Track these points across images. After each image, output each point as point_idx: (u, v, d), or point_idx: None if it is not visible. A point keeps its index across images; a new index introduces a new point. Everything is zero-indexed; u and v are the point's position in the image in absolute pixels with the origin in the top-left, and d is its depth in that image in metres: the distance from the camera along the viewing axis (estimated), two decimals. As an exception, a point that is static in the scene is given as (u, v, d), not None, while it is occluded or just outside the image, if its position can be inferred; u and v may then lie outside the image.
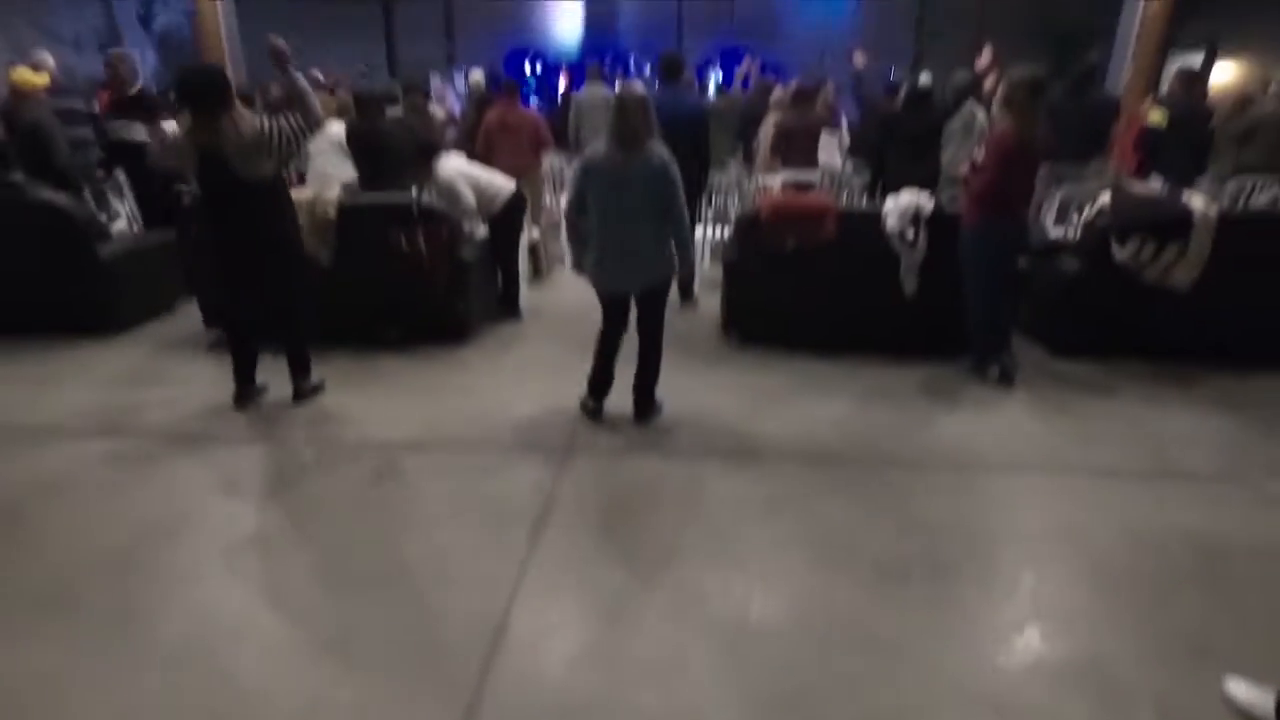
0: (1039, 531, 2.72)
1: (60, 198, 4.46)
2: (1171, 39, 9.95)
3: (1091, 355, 4.28)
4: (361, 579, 2.44)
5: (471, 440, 3.38)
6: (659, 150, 3.11)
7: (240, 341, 3.60)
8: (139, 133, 5.35)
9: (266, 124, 3.17)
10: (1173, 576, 2.47)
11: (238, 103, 3.19)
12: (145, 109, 5.38)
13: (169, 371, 4.13)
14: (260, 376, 3.71)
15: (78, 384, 3.95)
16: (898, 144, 4.96)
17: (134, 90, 5.42)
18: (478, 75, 7.30)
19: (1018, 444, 3.37)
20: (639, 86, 3.14)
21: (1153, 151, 5.55)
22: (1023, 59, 6.45)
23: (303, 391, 3.70)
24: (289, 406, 3.67)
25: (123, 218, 6.13)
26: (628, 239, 3.18)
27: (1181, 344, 4.24)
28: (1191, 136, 5.61)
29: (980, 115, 5.19)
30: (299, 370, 3.68)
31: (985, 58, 5.22)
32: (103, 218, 5.52)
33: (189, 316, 4.84)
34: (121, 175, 5.96)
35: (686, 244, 3.24)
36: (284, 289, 3.51)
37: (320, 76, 8.23)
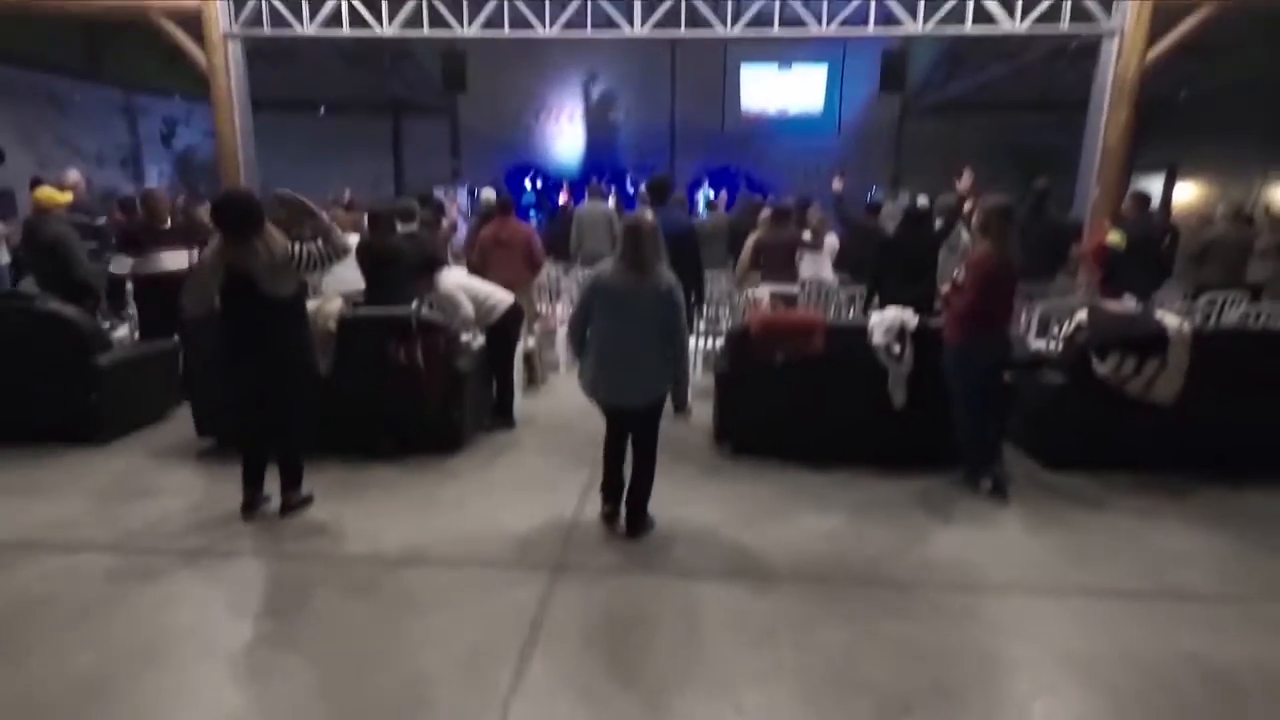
0: (1044, 658, 2.64)
1: (68, 309, 4.57)
2: (1133, 162, 10.62)
3: (1082, 467, 4.30)
4: (345, 707, 2.33)
5: (461, 556, 3.31)
6: (667, 275, 3.28)
7: (254, 448, 3.61)
8: (176, 261, 5.46)
9: (295, 248, 3.34)
10: (1184, 708, 2.39)
11: (269, 225, 3.35)
12: (194, 235, 5.51)
13: (158, 482, 4.09)
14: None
15: (64, 495, 3.90)
16: (896, 264, 5.08)
17: (168, 224, 5.62)
18: (489, 193, 7.67)
19: (1015, 562, 3.33)
20: (649, 215, 3.34)
21: (1112, 269, 5.81)
22: (995, 181, 6.85)
23: (291, 504, 3.65)
24: (277, 519, 3.62)
25: (125, 325, 6.27)
26: (629, 356, 3.29)
27: (1170, 457, 4.27)
28: (1147, 254, 5.91)
29: (965, 235, 5.45)
30: (290, 482, 3.66)
31: (966, 180, 5.54)
32: (106, 325, 5.63)
33: (181, 423, 4.83)
34: (130, 285, 6.14)
35: (684, 365, 3.38)
36: (289, 402, 3.54)
37: (347, 195, 8.75)
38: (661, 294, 3.22)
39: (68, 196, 5.58)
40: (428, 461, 4.35)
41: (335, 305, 4.34)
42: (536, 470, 4.32)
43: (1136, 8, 7.77)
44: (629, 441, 3.51)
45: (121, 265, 5.51)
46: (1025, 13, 8.03)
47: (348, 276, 5.39)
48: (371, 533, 3.49)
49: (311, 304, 4.37)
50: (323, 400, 4.05)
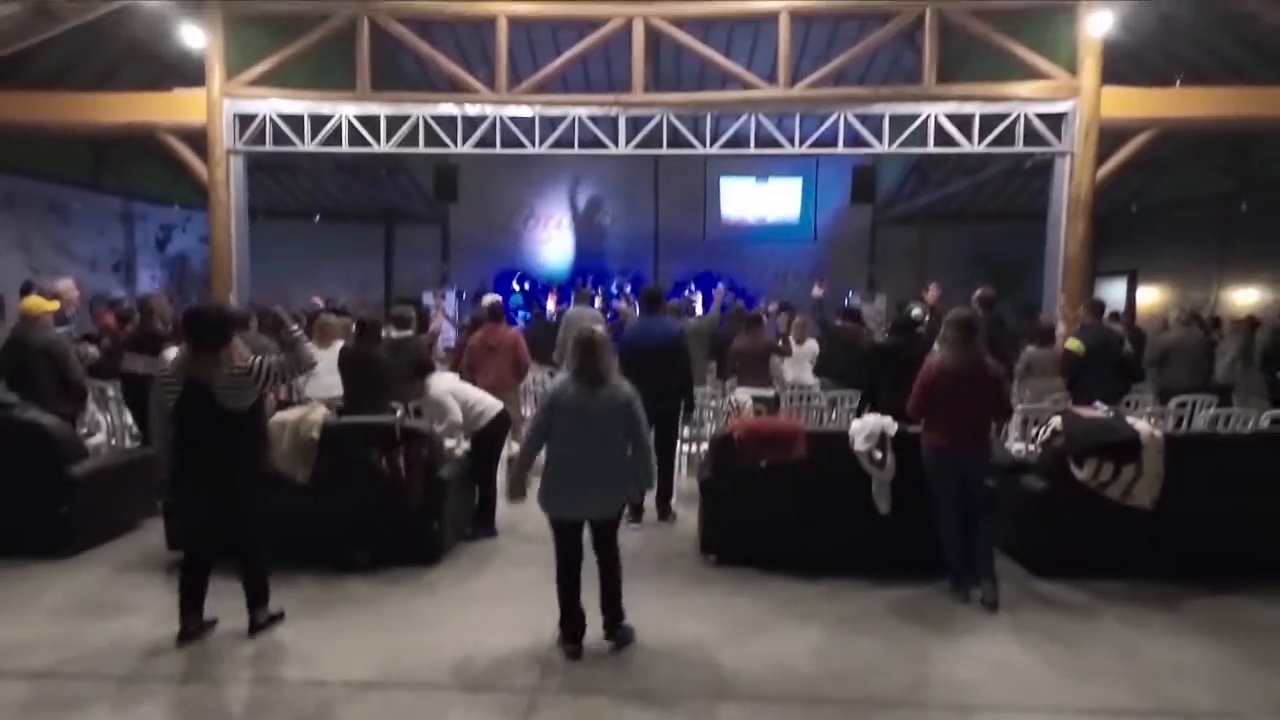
0: (1043, 786, 2.53)
1: (45, 417, 4.53)
2: (1095, 269, 11.14)
3: (1071, 574, 4.25)
4: None
5: (432, 680, 3.17)
6: (623, 386, 3.38)
7: (195, 569, 3.44)
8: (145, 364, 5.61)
9: (256, 362, 3.35)
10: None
11: (236, 338, 3.40)
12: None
13: (120, 599, 3.92)
14: (216, 605, 3.52)
15: (20, 615, 3.72)
16: (889, 372, 4.98)
17: (163, 327, 5.81)
18: (490, 299, 7.85)
19: (1010, 678, 3.23)
20: (600, 328, 3.47)
21: (1075, 375, 5.97)
22: (965, 285, 7.08)
23: (259, 623, 3.50)
24: (242, 639, 3.45)
25: (103, 430, 6.19)
26: (590, 469, 3.30)
27: (1159, 562, 4.25)
28: (1108, 359, 6.06)
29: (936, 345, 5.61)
30: (256, 600, 3.51)
31: (933, 293, 5.79)
32: (83, 431, 5.57)
33: (153, 534, 4.69)
34: (111, 390, 6.13)
35: (651, 466, 3.49)
36: (248, 516, 3.44)
37: (320, 302, 8.90)
38: (619, 405, 3.30)
39: (54, 305, 5.68)
40: (405, 574, 4.23)
41: (320, 414, 4.35)
42: (517, 583, 4.20)
43: (1083, 131, 8.39)
44: (586, 559, 3.42)
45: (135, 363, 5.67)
46: (982, 135, 8.63)
47: (329, 381, 5.46)
48: (339, 655, 3.34)
49: (295, 412, 4.40)
50: (299, 511, 3.99)
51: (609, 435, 3.29)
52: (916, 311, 5.37)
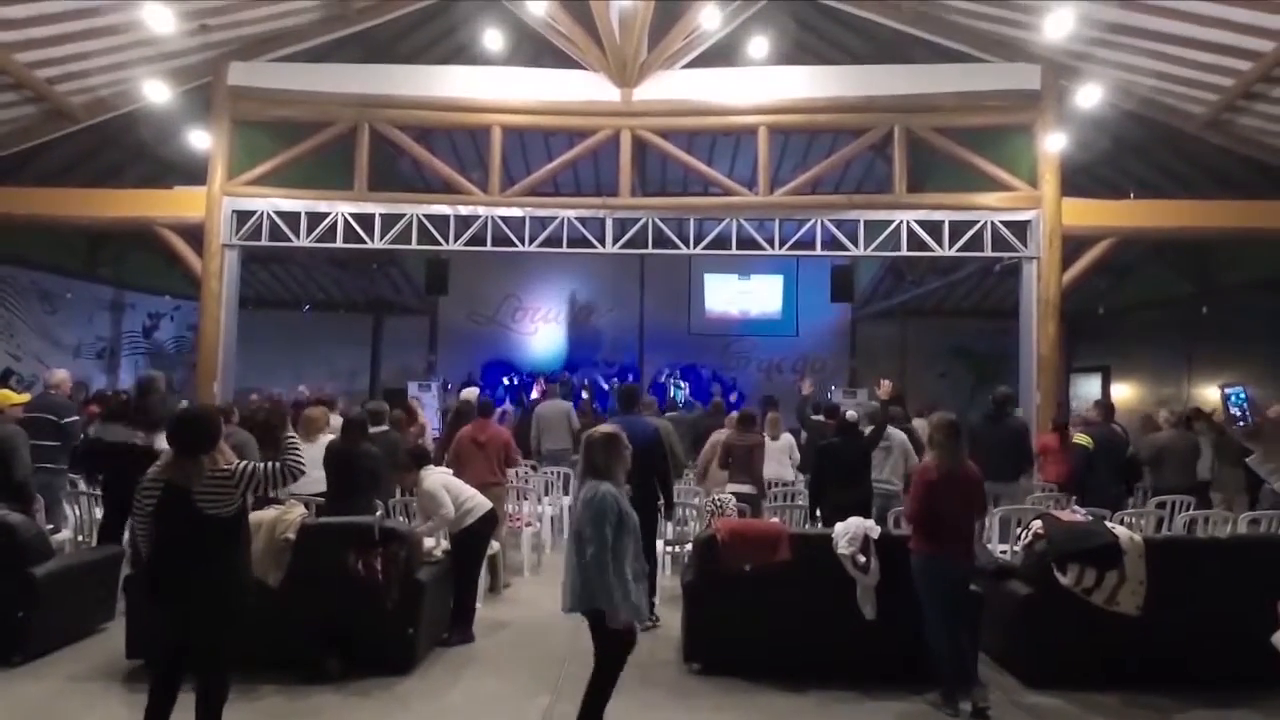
0: None
1: (12, 516, 4.41)
2: (1070, 366, 11.43)
3: (1060, 685, 4.16)
4: None
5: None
6: (602, 486, 3.33)
7: (165, 686, 3.22)
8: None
9: (240, 466, 3.24)
10: None
11: (222, 444, 3.31)
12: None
13: (74, 715, 3.71)
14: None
15: (-39, 730, 3.52)
16: (832, 470, 5.31)
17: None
18: (468, 392, 7.87)
19: (1004, 801, 3.12)
20: (609, 427, 3.53)
21: (1082, 473, 6.03)
22: (943, 379, 7.27)
23: None
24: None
25: (70, 525, 6.01)
26: (569, 562, 3.41)
27: (1149, 671, 4.18)
28: (1113, 460, 6.17)
29: (897, 433, 5.82)
30: (209, 718, 3.24)
31: (885, 388, 6.10)
32: (49, 528, 5.40)
33: (111, 639, 4.48)
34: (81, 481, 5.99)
35: (591, 568, 3.26)
36: (217, 628, 3.25)
37: (305, 391, 8.89)
38: (585, 499, 3.32)
39: (24, 397, 5.65)
40: (376, 685, 4.05)
41: (297, 513, 4.28)
42: (494, 694, 4.04)
43: (1047, 238, 8.83)
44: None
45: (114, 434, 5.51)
46: (952, 240, 9.04)
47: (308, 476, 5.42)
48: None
49: (272, 512, 4.32)
50: (266, 617, 3.84)
51: (575, 532, 3.37)
52: (851, 414, 5.77)
